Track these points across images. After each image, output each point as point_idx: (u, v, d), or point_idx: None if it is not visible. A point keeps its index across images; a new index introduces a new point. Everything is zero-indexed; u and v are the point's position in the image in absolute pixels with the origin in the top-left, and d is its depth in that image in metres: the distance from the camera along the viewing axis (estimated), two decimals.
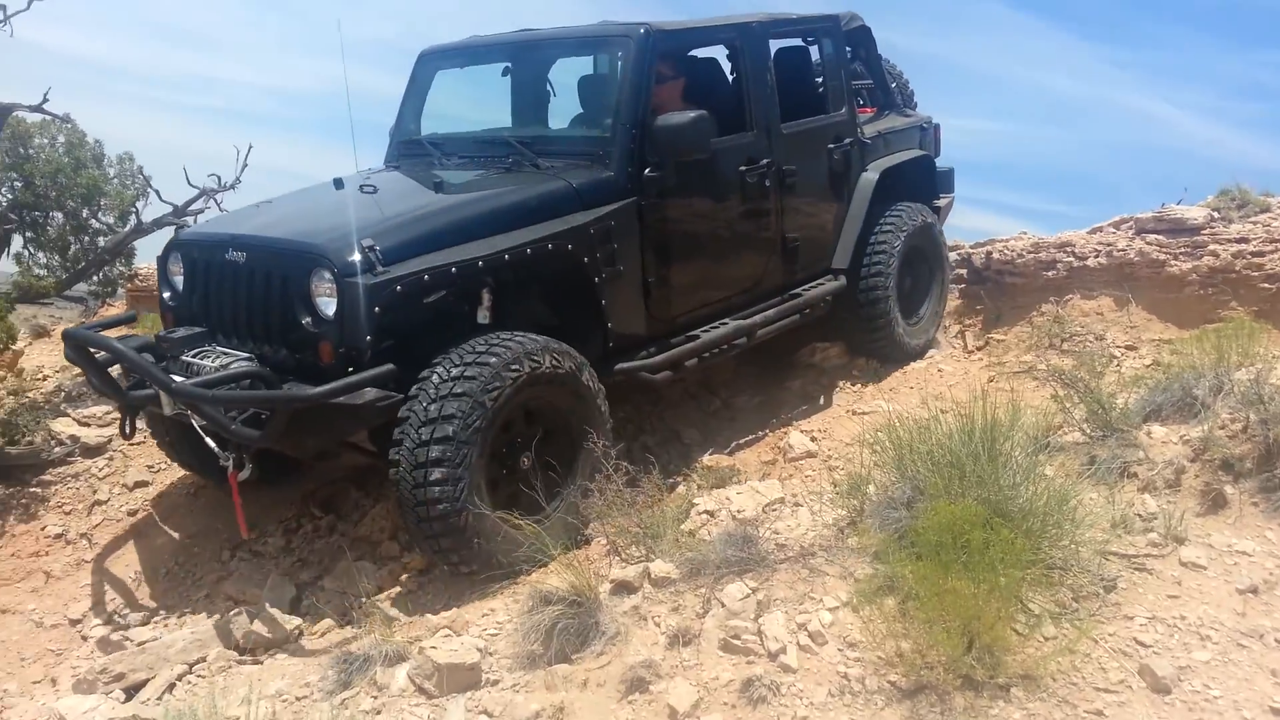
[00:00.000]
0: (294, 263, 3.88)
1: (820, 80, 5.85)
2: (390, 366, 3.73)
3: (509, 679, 2.93)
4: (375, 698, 2.93)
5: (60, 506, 4.99)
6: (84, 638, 4.25)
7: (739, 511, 3.71)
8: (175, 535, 4.80)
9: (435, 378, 3.69)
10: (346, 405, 3.61)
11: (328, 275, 3.75)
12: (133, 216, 7.18)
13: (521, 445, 3.96)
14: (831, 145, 5.59)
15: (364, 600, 3.71)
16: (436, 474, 3.58)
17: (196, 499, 4.99)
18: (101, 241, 6.91)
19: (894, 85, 6.87)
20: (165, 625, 4.22)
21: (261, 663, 3.62)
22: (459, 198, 4.34)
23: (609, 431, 4.15)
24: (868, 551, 3.12)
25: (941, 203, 6.70)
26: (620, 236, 4.41)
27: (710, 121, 4.48)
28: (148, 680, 3.58)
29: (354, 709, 2.83)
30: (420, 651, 2.99)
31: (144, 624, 4.26)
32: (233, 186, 7.87)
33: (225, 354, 3.95)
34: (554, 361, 3.90)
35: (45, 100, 6.30)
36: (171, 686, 3.55)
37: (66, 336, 4.25)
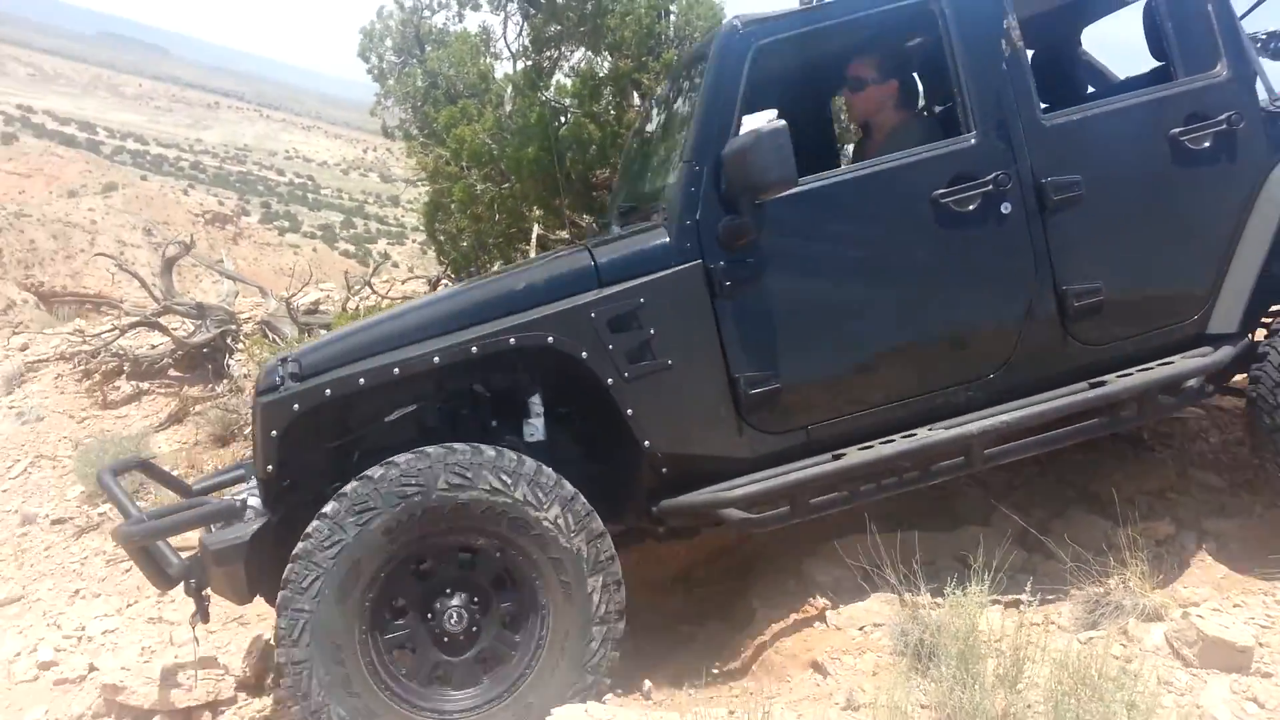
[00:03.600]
0: None
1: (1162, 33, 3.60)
2: (234, 499, 3.27)
3: None
4: (1124, 646, 2.90)
5: None
6: None
7: None
8: None
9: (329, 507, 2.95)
10: (218, 549, 3.10)
11: None
12: None
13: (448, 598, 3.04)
14: (1179, 130, 3.39)
15: (1123, 551, 3.63)
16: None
17: None
18: None
19: None
20: None
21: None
22: (433, 295, 3.44)
23: (594, 603, 3.00)
24: None
25: None
26: (659, 318, 3.17)
27: (784, 135, 3.01)
28: None
29: (1099, 650, 2.83)
30: (1184, 616, 2.87)
31: None
32: None
33: None
34: (456, 479, 2.92)
35: None
36: None
37: None
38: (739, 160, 3.11)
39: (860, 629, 3.28)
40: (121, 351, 7.81)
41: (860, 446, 3.25)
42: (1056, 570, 3.52)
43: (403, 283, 9.56)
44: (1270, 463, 3.44)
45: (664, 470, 3.23)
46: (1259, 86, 3.55)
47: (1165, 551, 3.94)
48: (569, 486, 3.04)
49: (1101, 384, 3.30)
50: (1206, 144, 3.41)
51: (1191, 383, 3.30)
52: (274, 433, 3.04)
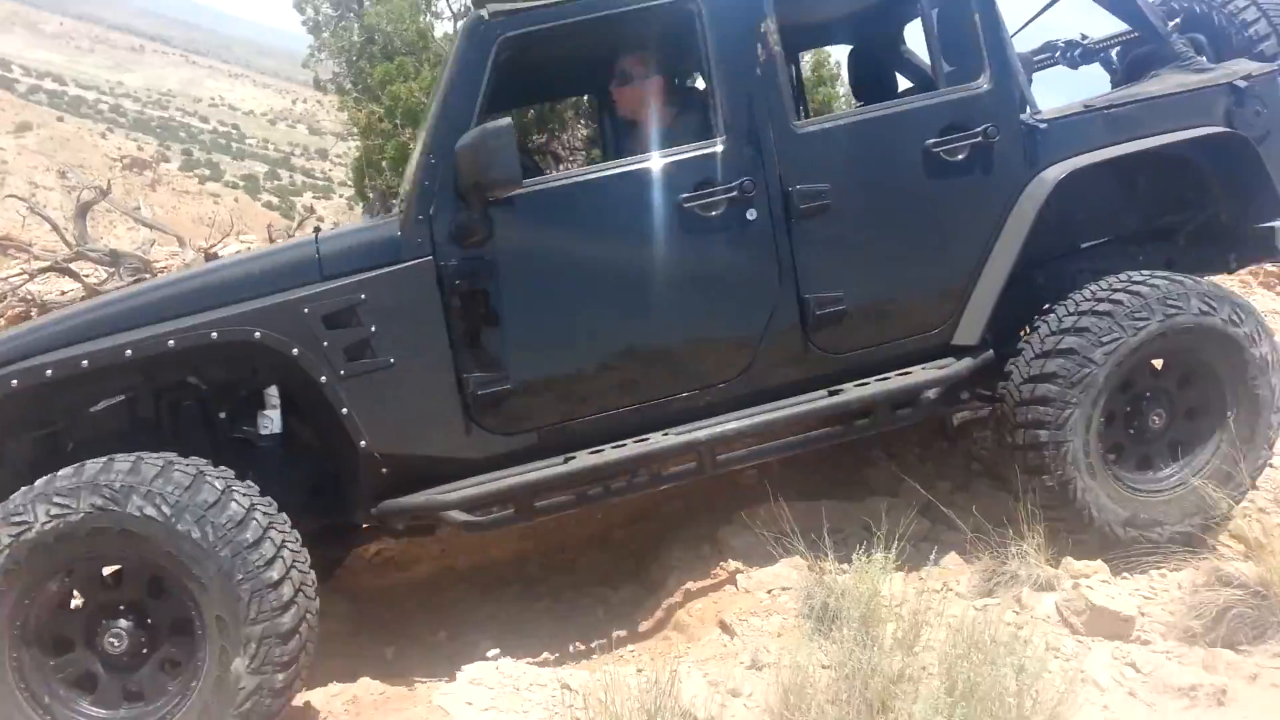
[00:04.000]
0: None
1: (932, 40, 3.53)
2: None
3: (1161, 644, 2.84)
4: (1017, 614, 3.02)
5: None
6: None
7: None
8: None
9: None
10: None
11: None
12: None
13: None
14: (935, 141, 3.35)
15: (1021, 524, 3.76)
16: None
17: None
18: None
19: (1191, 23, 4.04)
20: None
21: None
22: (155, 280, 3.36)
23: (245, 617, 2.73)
24: None
25: None
26: (382, 315, 3.09)
27: (509, 134, 2.97)
28: None
29: (994, 616, 2.95)
30: (1075, 587, 3.01)
31: None
32: None
33: None
34: (55, 509, 2.73)
35: None
36: None
37: None
38: (467, 156, 3.02)
39: (768, 593, 3.37)
40: (30, 296, 7.56)
41: (591, 450, 3.21)
42: (958, 540, 3.65)
43: None
44: (1013, 478, 3.46)
45: (384, 470, 3.15)
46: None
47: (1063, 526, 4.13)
48: (180, 477, 2.79)
49: (838, 393, 3.32)
50: (962, 156, 3.37)
51: (929, 394, 3.33)
52: None
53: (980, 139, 3.35)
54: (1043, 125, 3.43)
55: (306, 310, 3.05)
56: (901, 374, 3.36)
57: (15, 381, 2.93)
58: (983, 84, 3.39)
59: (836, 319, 3.31)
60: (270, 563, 2.78)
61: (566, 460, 3.18)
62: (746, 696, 2.78)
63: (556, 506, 3.26)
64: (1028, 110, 3.44)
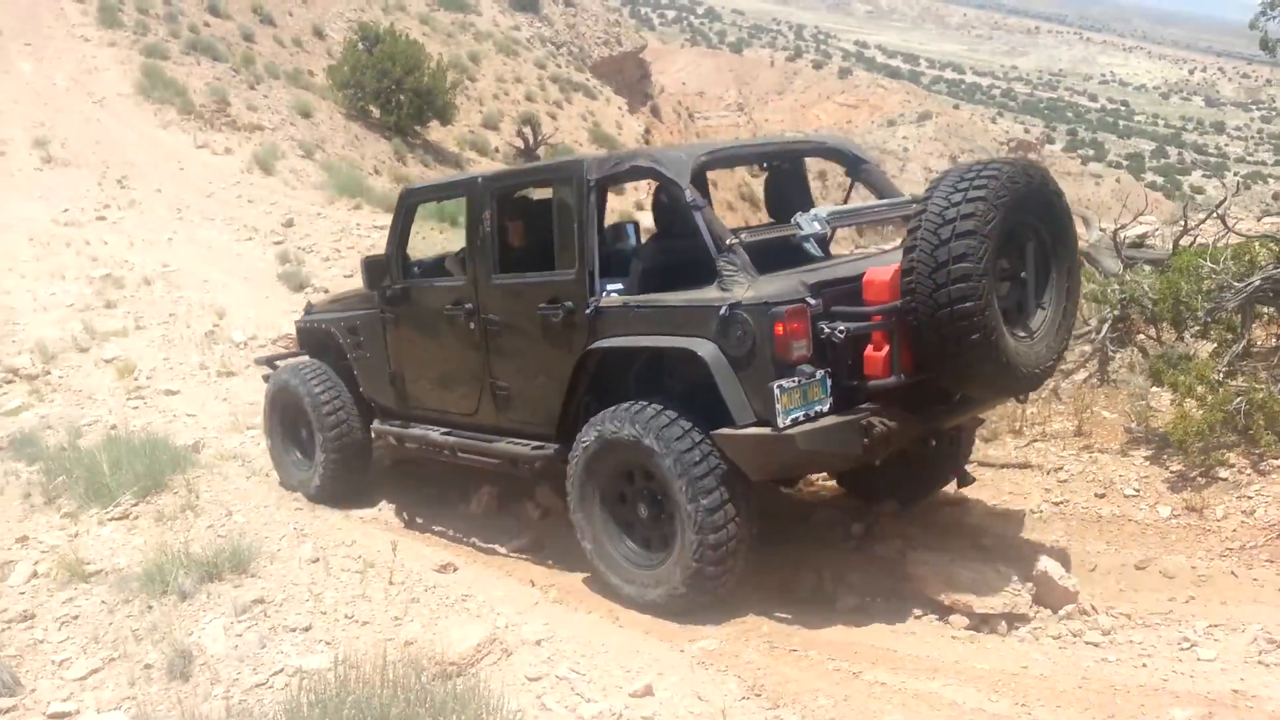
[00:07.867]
0: None
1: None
2: None
3: None
4: None
5: None
6: None
7: None
8: None
9: None
10: None
11: None
12: None
13: None
14: (543, 305, 4.90)
15: None
16: None
17: None
18: None
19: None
20: None
21: None
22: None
23: None
24: None
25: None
26: (365, 332, 5.97)
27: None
28: None
29: None
30: None
31: None
32: None
33: None
34: None
35: None
36: None
37: None
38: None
39: None
40: None
41: (421, 426, 5.83)
42: None
43: (1259, 220, 8.94)
44: None
45: (370, 405, 6.15)
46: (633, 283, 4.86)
47: None
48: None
49: (494, 441, 5.36)
50: (555, 320, 4.82)
51: (535, 463, 5.13)
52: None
53: (562, 312, 4.79)
54: (598, 310, 4.66)
55: (343, 322, 6.24)
56: (522, 444, 5.18)
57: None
58: (573, 274, 4.77)
59: (507, 399, 5.28)
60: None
61: (405, 425, 5.95)
62: None
63: (408, 451, 6.05)
64: (595, 296, 4.71)
